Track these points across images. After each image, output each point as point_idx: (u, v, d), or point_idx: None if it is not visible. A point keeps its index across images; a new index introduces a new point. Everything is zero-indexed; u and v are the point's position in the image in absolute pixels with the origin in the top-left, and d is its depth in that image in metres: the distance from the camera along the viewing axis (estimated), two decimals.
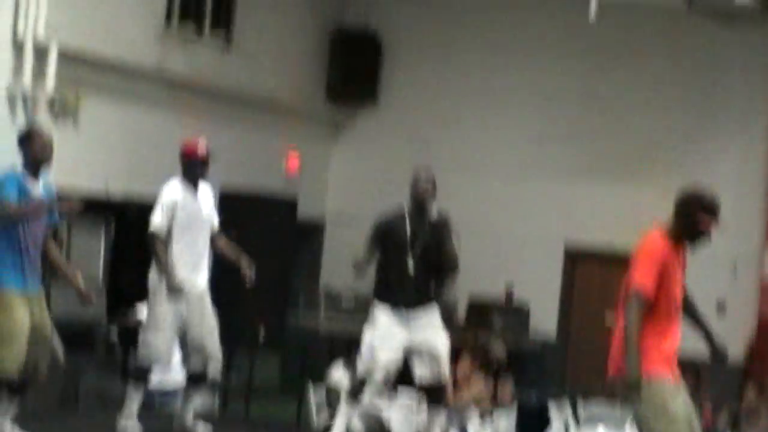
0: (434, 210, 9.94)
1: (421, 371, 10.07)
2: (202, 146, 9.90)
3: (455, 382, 12.04)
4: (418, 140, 14.96)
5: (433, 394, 10.27)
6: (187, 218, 9.77)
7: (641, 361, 7.11)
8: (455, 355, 12.39)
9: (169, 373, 10.87)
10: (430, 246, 9.89)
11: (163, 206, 9.73)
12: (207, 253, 9.97)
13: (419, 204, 9.87)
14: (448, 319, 10.88)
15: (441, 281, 10.20)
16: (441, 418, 10.47)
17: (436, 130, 15.18)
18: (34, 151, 8.80)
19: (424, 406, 10.75)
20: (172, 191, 9.79)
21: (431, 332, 10.05)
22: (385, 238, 9.88)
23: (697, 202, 7.27)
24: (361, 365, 10.07)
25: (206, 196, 9.98)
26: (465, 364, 12.27)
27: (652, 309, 7.36)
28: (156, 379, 10.40)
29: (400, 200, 10.58)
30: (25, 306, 8.60)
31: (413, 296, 9.88)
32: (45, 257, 9.03)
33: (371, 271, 10.04)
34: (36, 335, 8.65)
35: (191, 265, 9.78)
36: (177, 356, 10.50)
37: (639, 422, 7.43)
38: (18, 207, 8.50)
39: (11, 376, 8.52)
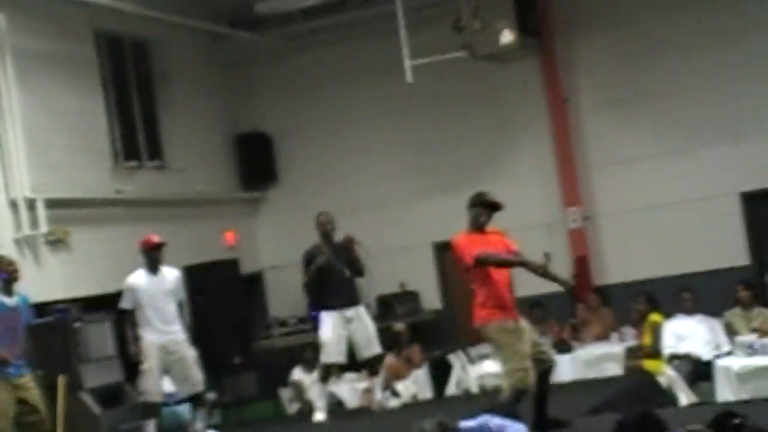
0: (338, 236, 10.52)
1: (362, 350, 10.53)
2: (153, 237, 10.23)
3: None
4: (314, 199, 14.72)
5: (372, 365, 10.72)
6: (148, 293, 9.97)
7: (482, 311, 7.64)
8: None
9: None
10: (345, 260, 10.46)
11: (125, 291, 10.05)
12: (176, 313, 10.07)
13: (325, 234, 10.47)
14: None
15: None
16: (378, 383, 10.94)
17: (325, 189, 15.19)
18: (2, 272, 8.94)
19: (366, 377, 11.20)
20: (132, 277, 10.11)
21: (362, 321, 10.54)
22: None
23: (476, 196, 7.99)
24: (324, 356, 10.53)
25: (169, 275, 10.21)
26: None
27: (485, 278, 7.88)
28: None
29: (310, 243, 11.09)
30: (8, 389, 8.72)
31: (345, 299, 10.41)
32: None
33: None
34: (26, 408, 8.78)
35: (163, 324, 9.94)
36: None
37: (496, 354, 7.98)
38: None
39: None
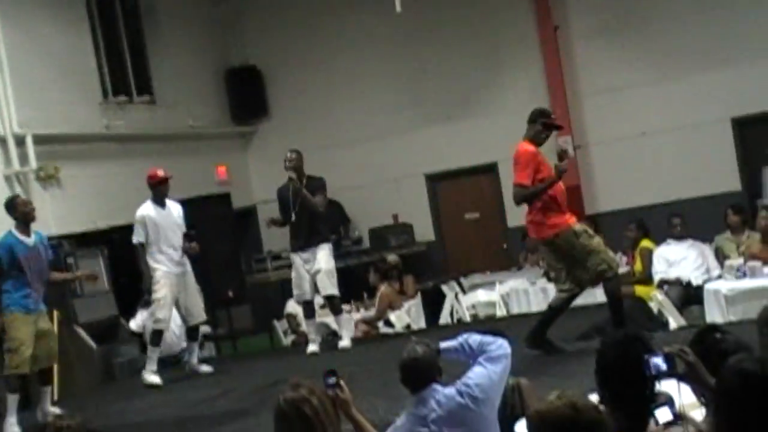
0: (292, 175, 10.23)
1: (321, 289, 10.53)
2: (159, 171, 10.21)
3: (371, 291, 12.38)
4: (305, 132, 14.80)
5: (332, 303, 10.67)
6: (159, 225, 9.99)
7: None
8: (365, 270, 12.77)
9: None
10: (303, 201, 10.30)
11: (137, 224, 10.09)
12: (181, 246, 10.08)
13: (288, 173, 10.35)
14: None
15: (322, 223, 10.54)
16: (348, 320, 10.96)
17: (316, 122, 15.11)
18: (19, 212, 8.91)
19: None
20: (142, 209, 10.09)
21: (317, 264, 10.43)
22: (281, 202, 10.41)
23: (540, 113, 8.06)
24: (295, 297, 10.62)
25: (174, 208, 10.21)
26: (373, 276, 12.49)
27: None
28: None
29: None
30: (30, 323, 8.77)
31: (300, 241, 10.35)
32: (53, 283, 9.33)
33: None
34: (43, 340, 8.87)
35: (173, 255, 9.97)
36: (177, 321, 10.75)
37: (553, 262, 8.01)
38: None
39: (23, 373, 8.72)
